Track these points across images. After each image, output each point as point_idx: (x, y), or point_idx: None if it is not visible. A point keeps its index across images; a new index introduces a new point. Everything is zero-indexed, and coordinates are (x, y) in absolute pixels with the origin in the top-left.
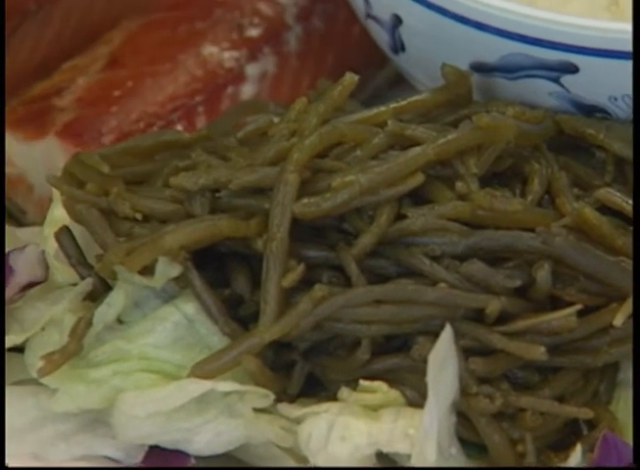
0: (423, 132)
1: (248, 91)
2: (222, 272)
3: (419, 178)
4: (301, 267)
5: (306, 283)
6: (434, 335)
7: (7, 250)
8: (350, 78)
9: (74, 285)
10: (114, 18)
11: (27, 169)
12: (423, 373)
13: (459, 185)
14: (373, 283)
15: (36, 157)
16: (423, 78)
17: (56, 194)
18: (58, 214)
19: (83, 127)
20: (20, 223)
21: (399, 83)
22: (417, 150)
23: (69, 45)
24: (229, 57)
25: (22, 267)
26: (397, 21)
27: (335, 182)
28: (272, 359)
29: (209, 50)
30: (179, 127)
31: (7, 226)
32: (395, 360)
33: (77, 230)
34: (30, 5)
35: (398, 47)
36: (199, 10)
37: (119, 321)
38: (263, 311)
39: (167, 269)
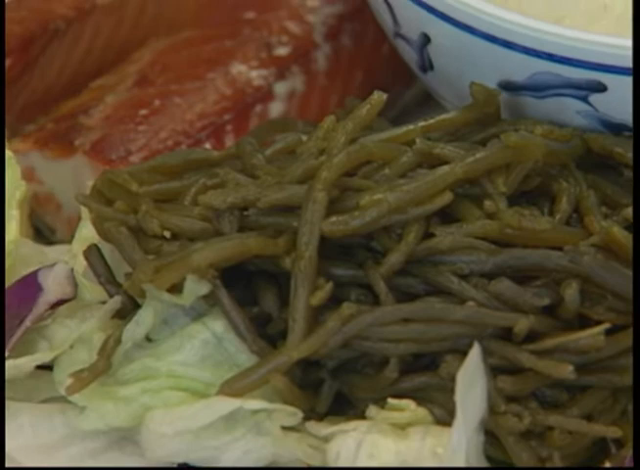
0: (451, 151)
1: (276, 109)
2: (250, 290)
3: (447, 197)
4: (330, 286)
5: (334, 301)
6: (463, 353)
7: (36, 267)
8: (379, 97)
9: (103, 303)
10: (142, 37)
11: (56, 188)
12: (451, 391)
13: (487, 204)
14: (401, 301)
15: (65, 175)
16: (451, 97)
17: (85, 212)
18: (86, 232)
19: (112, 146)
20: (49, 241)
21: (427, 101)
22: (445, 169)
23: (98, 64)
24: (257, 75)
25: (51, 285)
26: (426, 39)
27: (363, 201)
28: (300, 377)
29: (238, 68)
30: (207, 145)
31: (36, 244)
32: (423, 379)
33: (106, 248)
34: (59, 24)
35: (427, 66)
36: (227, 29)
37: (148, 339)
38: (291, 329)
39: (196, 287)
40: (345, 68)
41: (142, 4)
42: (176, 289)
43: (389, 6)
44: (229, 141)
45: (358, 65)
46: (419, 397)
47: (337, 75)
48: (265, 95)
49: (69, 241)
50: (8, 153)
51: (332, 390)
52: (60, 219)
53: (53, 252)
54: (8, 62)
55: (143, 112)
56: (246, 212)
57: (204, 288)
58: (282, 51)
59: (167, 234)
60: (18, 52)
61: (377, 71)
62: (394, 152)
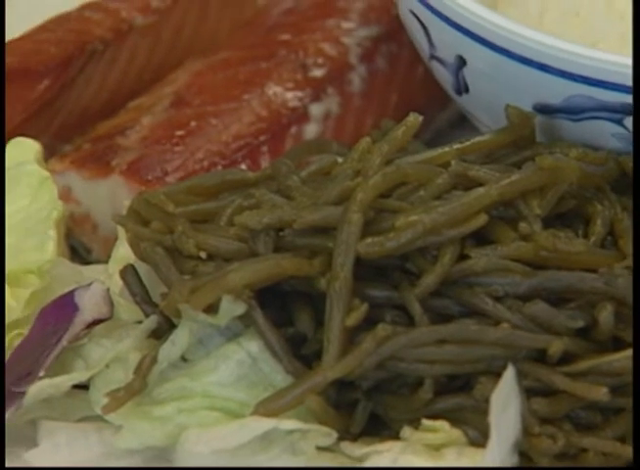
0: (486, 173)
1: (311, 131)
2: (285, 310)
3: (482, 219)
4: (365, 307)
5: (369, 322)
6: (497, 375)
7: (73, 287)
8: (414, 119)
9: (139, 322)
10: (179, 58)
11: (92, 208)
12: (485, 413)
13: (522, 226)
14: (435, 323)
15: (101, 195)
16: (486, 119)
17: (121, 232)
18: (123, 252)
19: (148, 166)
20: (85, 261)
21: (461, 123)
22: (480, 191)
23: (134, 85)
24: (293, 97)
25: (87, 305)
26: (462, 62)
27: (399, 222)
28: (335, 398)
29: (274, 90)
30: (243, 166)
31: (73, 264)
32: (458, 400)
33: (142, 268)
34: (97, 45)
35: (462, 88)
36: (263, 50)
37: (183, 359)
38: (327, 350)
39: (232, 308)
40: (380, 89)
41: (179, 26)
42: (212, 309)
43: (425, 28)
44: (264, 162)
45: (393, 86)
46: (453, 418)
47: (372, 97)
48: (301, 116)
49: (106, 261)
50: (45, 173)
51: (366, 410)
52: (96, 239)
53: (89, 271)
54: (45, 82)
55: (179, 132)
56: (281, 233)
57: (239, 308)
58: (317, 72)
59: (203, 254)
60: (55, 73)
61: (412, 93)
62: (430, 173)
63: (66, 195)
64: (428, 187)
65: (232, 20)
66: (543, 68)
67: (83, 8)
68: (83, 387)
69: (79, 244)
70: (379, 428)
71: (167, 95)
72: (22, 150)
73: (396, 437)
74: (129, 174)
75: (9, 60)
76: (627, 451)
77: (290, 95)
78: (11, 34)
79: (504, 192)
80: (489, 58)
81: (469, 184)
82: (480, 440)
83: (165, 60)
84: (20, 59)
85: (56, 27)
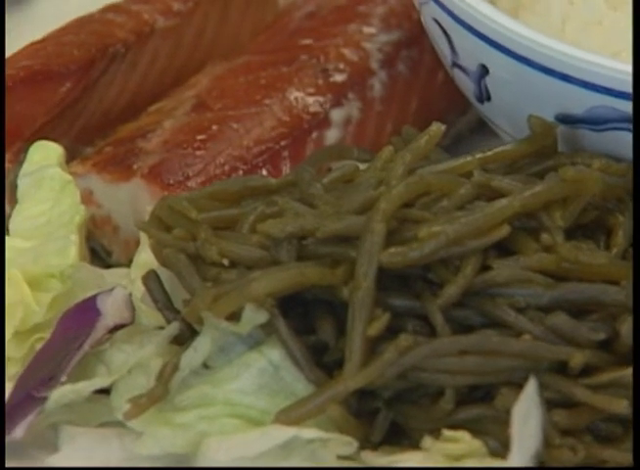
0: (509, 184)
1: (332, 136)
2: (307, 319)
3: (505, 230)
4: (387, 316)
5: (391, 332)
6: (518, 386)
7: (95, 291)
8: (437, 128)
9: (160, 328)
10: (199, 61)
11: (113, 211)
12: (506, 424)
13: (544, 237)
14: (457, 333)
15: (122, 198)
16: (507, 127)
17: (143, 238)
18: (145, 258)
19: (169, 170)
20: (105, 263)
21: (481, 128)
22: (503, 202)
23: (155, 88)
24: (314, 102)
25: (109, 310)
26: (484, 71)
27: (422, 232)
28: (355, 407)
29: (295, 95)
30: (264, 172)
31: (94, 268)
32: (479, 410)
33: (164, 274)
34: (119, 48)
35: (484, 96)
36: (284, 54)
37: (205, 366)
38: (348, 359)
39: (254, 316)
40: (401, 95)
41: (200, 29)
42: (234, 317)
43: (448, 36)
44: (285, 167)
45: (414, 92)
46: (474, 428)
47: (392, 103)
48: (321, 122)
49: (126, 263)
50: (67, 176)
51: (387, 420)
52: (116, 242)
53: (111, 275)
54: (68, 85)
55: (201, 137)
56: (304, 242)
57: (262, 317)
58: (338, 78)
59: (225, 261)
60: (77, 75)
61: (432, 99)
62: (453, 184)
63: (87, 197)
64: (451, 197)
65: (253, 23)
66: (565, 78)
67: (105, 10)
68: (105, 392)
69: (100, 246)
70: (399, 437)
71: (189, 99)
72: (45, 153)
73: (417, 446)
74: (151, 178)
75: (31, 62)
76: None
77: (311, 100)
78: (32, 36)
79: (527, 203)
80: (512, 67)
81: (491, 194)
82: (500, 450)
83: (186, 63)
84: (42, 61)
85: (78, 30)
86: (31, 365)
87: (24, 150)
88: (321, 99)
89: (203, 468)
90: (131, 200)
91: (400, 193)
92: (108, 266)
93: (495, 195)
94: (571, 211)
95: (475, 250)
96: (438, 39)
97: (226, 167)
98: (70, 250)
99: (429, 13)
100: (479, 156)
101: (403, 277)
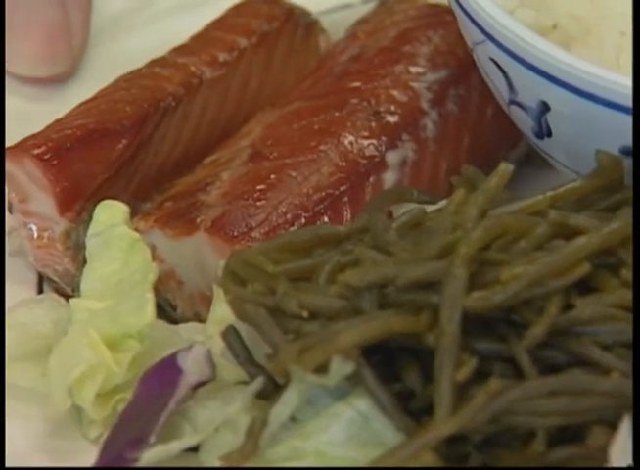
0: (585, 221)
1: (389, 179)
2: (391, 366)
3: (585, 268)
4: (474, 361)
5: (478, 375)
6: (608, 424)
7: (172, 349)
8: (505, 168)
9: (242, 383)
10: (246, 110)
11: (177, 265)
12: (599, 463)
13: (625, 273)
14: (543, 373)
15: (186, 253)
16: (566, 161)
17: (218, 293)
18: (221, 313)
19: (232, 222)
20: (170, 318)
21: (529, 161)
22: (582, 240)
23: (205, 139)
24: (369, 145)
25: (190, 367)
26: (545, 107)
27: (504, 275)
28: (446, 452)
29: (349, 139)
30: (325, 218)
31: (168, 325)
32: (570, 451)
33: (242, 328)
34: (170, 101)
35: (544, 133)
36: (334, 99)
37: (292, 419)
38: (438, 405)
39: (342, 367)
40: (453, 133)
41: (245, 77)
42: (320, 369)
43: (505, 74)
44: (346, 213)
45: (465, 130)
46: (565, 469)
47: (445, 141)
48: (378, 165)
49: (192, 317)
50: (135, 235)
51: (477, 463)
52: (181, 295)
53: (185, 331)
54: (124, 142)
55: (260, 186)
56: (385, 290)
57: (348, 368)
58: (391, 119)
59: (305, 313)
60: (132, 131)
61: (483, 135)
62: (529, 224)
63: (150, 253)
64: (529, 238)
65: (296, 68)
66: (629, 111)
67: (151, 64)
68: (191, 449)
69: (164, 300)
70: None
71: (244, 149)
72: (111, 212)
73: None
74: (214, 231)
75: (86, 121)
76: None
77: (365, 143)
78: (85, 93)
79: (605, 240)
80: (575, 103)
81: (568, 232)
82: None
83: (235, 112)
84: (97, 119)
85: (128, 86)
86: (117, 427)
87: (86, 209)
88: (376, 142)
89: (203, 468)
90: (195, 254)
91: (479, 236)
92: (174, 320)
93: (571, 232)
94: None
95: (557, 289)
96: (494, 77)
97: (288, 216)
98: (147, 309)
99: (484, 52)
100: (549, 194)
101: (486, 320)
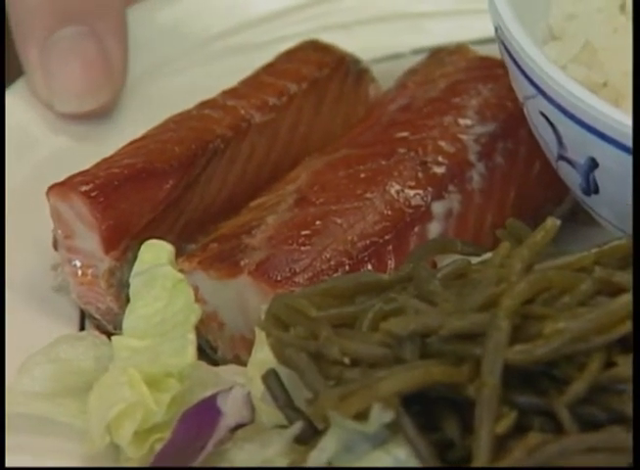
0: (630, 280)
1: (434, 229)
2: (430, 415)
3: (628, 326)
4: (514, 414)
5: (517, 429)
6: None
7: (212, 390)
8: (552, 223)
9: (280, 426)
10: (294, 155)
11: (219, 307)
12: None
13: None
14: (583, 430)
15: (229, 295)
16: (613, 219)
17: (260, 336)
18: (262, 356)
19: (276, 266)
20: (210, 360)
21: (574, 217)
22: (625, 298)
23: (253, 183)
24: (415, 195)
25: (229, 409)
26: (593, 164)
27: (547, 329)
28: None
29: (395, 188)
30: (369, 266)
31: (209, 366)
32: None
33: (283, 372)
34: (218, 143)
35: (591, 189)
36: (382, 147)
37: (330, 465)
38: (477, 457)
39: (381, 415)
40: (499, 187)
41: (294, 123)
42: (359, 415)
43: (555, 129)
44: (390, 261)
45: (512, 184)
46: None
47: (491, 195)
48: (423, 215)
49: (232, 359)
50: (179, 275)
51: None
52: (222, 338)
53: (224, 372)
54: (171, 182)
55: (305, 232)
56: (427, 339)
57: (388, 416)
58: (438, 170)
59: (346, 359)
60: (180, 172)
61: (529, 190)
62: (573, 280)
63: (193, 294)
64: (573, 293)
65: (345, 116)
66: None
67: (202, 106)
68: None
69: (205, 342)
70: None
71: (290, 194)
72: (156, 252)
73: None
74: (258, 275)
75: (134, 160)
76: None
77: (412, 193)
78: (133, 132)
79: None
80: (623, 160)
81: (611, 289)
82: None
83: (282, 157)
84: (145, 159)
85: (177, 127)
86: (154, 465)
87: (131, 248)
88: (422, 192)
89: (203, 468)
90: (237, 296)
91: (523, 290)
92: (214, 362)
93: (615, 289)
94: None
95: (599, 346)
96: (544, 132)
97: (332, 263)
98: (188, 349)
99: (535, 106)
100: (594, 250)
101: (528, 374)
